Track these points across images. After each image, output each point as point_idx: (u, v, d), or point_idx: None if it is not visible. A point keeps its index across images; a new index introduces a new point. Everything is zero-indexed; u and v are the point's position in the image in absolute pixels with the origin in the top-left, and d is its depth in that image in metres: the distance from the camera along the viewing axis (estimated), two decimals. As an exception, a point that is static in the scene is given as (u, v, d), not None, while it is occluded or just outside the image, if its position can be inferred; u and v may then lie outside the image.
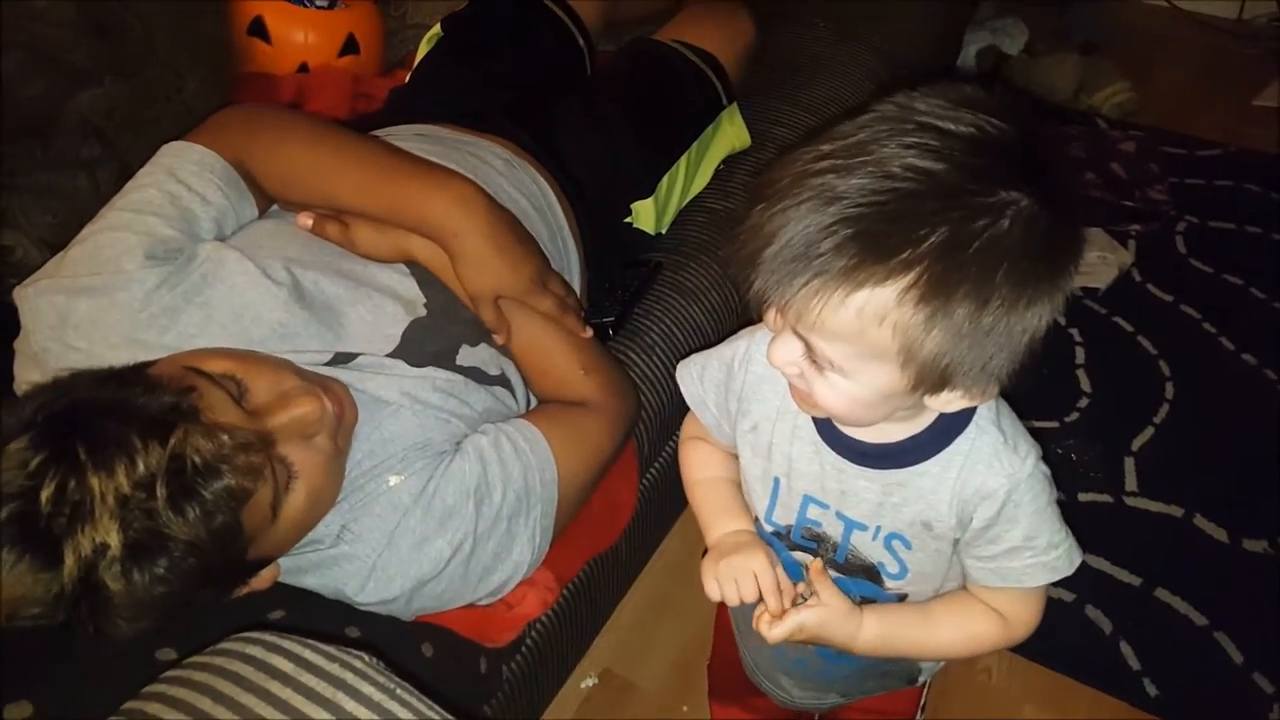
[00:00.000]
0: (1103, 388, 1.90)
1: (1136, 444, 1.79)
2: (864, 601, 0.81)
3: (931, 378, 0.61)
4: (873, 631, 0.79)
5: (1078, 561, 0.76)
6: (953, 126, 0.59)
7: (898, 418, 0.71)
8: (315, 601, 0.95)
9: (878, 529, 0.78)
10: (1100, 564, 1.60)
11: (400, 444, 0.96)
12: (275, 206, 1.09)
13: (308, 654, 0.66)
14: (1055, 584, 1.54)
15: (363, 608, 0.94)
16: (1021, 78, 2.60)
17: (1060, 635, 1.51)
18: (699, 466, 0.90)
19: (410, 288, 1.05)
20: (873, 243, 0.57)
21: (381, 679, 0.65)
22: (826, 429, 0.76)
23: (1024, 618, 0.79)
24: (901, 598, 0.82)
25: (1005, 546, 0.74)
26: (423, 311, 1.04)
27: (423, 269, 1.06)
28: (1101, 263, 2.13)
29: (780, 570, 0.80)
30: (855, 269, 0.58)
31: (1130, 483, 1.73)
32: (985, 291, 0.58)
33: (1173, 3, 2.97)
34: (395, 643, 0.93)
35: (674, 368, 0.90)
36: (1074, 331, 2.01)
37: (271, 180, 1.05)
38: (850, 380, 0.64)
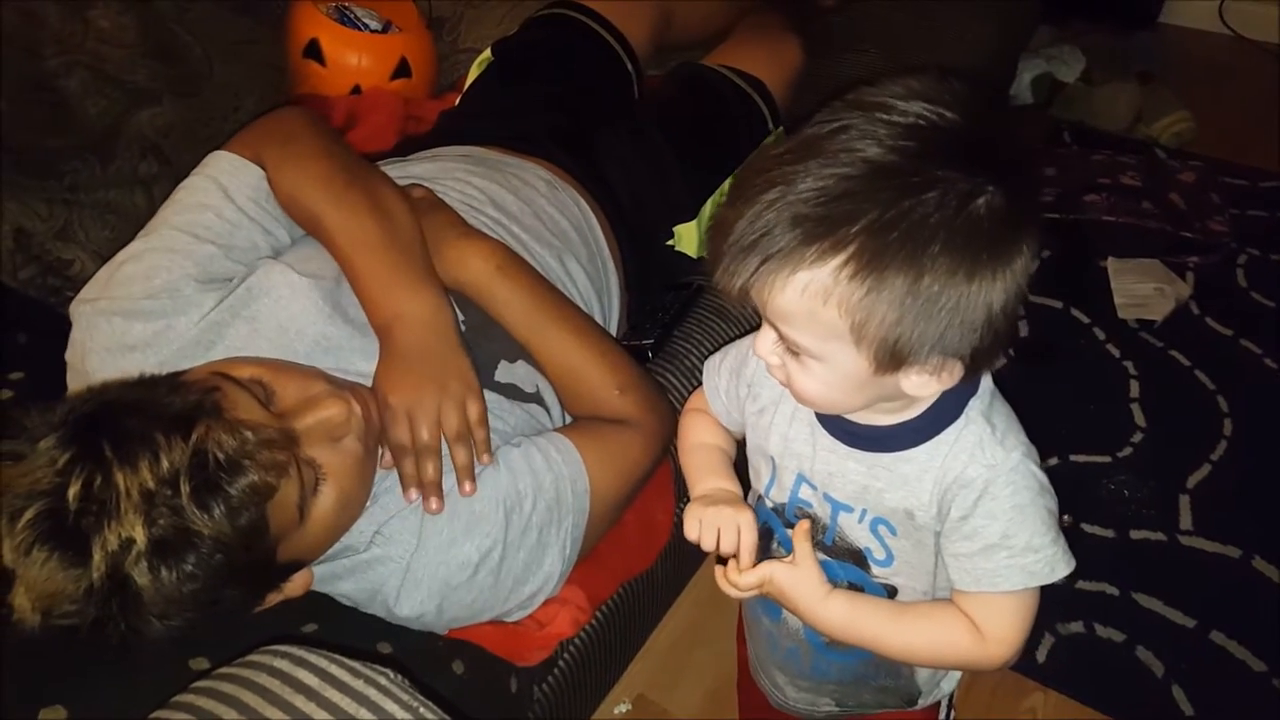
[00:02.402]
0: (1158, 422, 1.85)
1: (1192, 481, 1.74)
2: (851, 589, 0.82)
3: (885, 354, 0.64)
4: (839, 607, 0.79)
5: (1062, 573, 0.74)
6: (899, 118, 0.62)
7: (886, 408, 0.73)
8: (348, 615, 0.95)
9: (864, 512, 0.78)
10: (1153, 604, 1.55)
11: (433, 454, 0.96)
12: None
13: (333, 669, 0.66)
14: (1105, 624, 1.53)
15: (398, 620, 0.95)
16: (1078, 106, 2.56)
17: (1110, 677, 1.47)
18: (696, 433, 0.92)
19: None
20: (811, 225, 0.61)
21: (405, 697, 0.65)
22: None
23: (1001, 634, 0.76)
24: (891, 592, 0.82)
25: (982, 543, 0.73)
26: (461, 328, 1.05)
27: (456, 293, 1.07)
28: (1159, 295, 2.08)
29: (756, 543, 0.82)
30: (794, 250, 0.62)
31: (1185, 521, 1.68)
32: (919, 264, 0.60)
33: (1236, 31, 2.91)
34: (426, 659, 0.93)
35: (713, 391, 0.91)
36: (1129, 364, 1.96)
37: (281, 205, 1.05)
38: (823, 365, 0.67)
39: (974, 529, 0.73)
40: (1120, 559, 1.61)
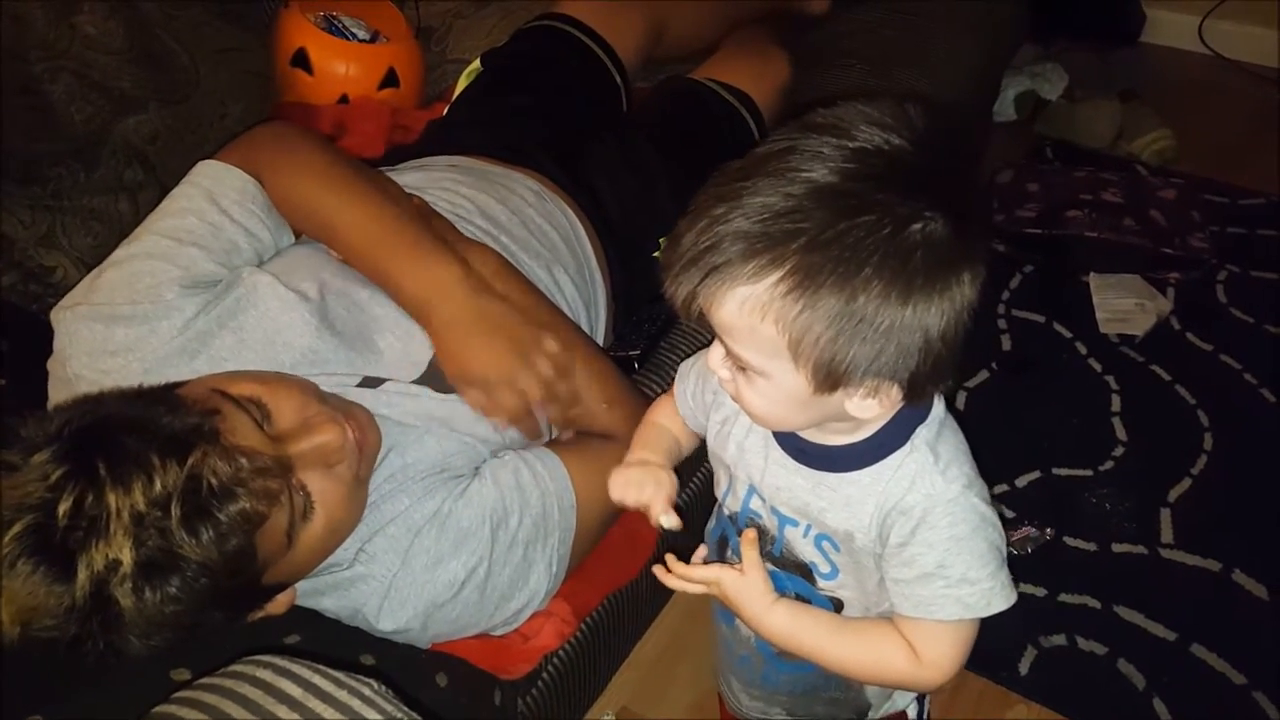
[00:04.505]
0: (1139, 437, 1.86)
1: (1173, 495, 1.75)
2: (798, 599, 0.83)
3: (822, 373, 0.65)
4: (782, 616, 0.80)
5: (999, 607, 0.75)
6: (848, 141, 0.63)
7: (836, 429, 0.74)
8: (331, 626, 0.95)
9: (808, 527, 0.80)
10: (1134, 617, 1.56)
11: (420, 467, 0.96)
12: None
13: (316, 679, 0.66)
14: (1087, 637, 1.53)
15: (380, 634, 0.94)
16: (1061, 123, 2.58)
17: (1092, 689, 1.47)
18: (657, 412, 0.94)
19: None
20: (752, 241, 0.63)
21: (389, 707, 0.65)
22: None
23: (935, 658, 0.77)
24: (838, 605, 0.83)
25: (918, 571, 0.74)
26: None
27: None
28: (1140, 310, 2.10)
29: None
30: (732, 265, 0.63)
31: (1166, 535, 1.68)
32: (851, 285, 0.61)
33: (1216, 51, 2.94)
34: (409, 672, 0.93)
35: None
36: (1110, 379, 1.98)
37: (280, 210, 1.06)
38: (767, 381, 0.68)
39: (911, 556, 0.74)
40: (1102, 572, 1.62)
